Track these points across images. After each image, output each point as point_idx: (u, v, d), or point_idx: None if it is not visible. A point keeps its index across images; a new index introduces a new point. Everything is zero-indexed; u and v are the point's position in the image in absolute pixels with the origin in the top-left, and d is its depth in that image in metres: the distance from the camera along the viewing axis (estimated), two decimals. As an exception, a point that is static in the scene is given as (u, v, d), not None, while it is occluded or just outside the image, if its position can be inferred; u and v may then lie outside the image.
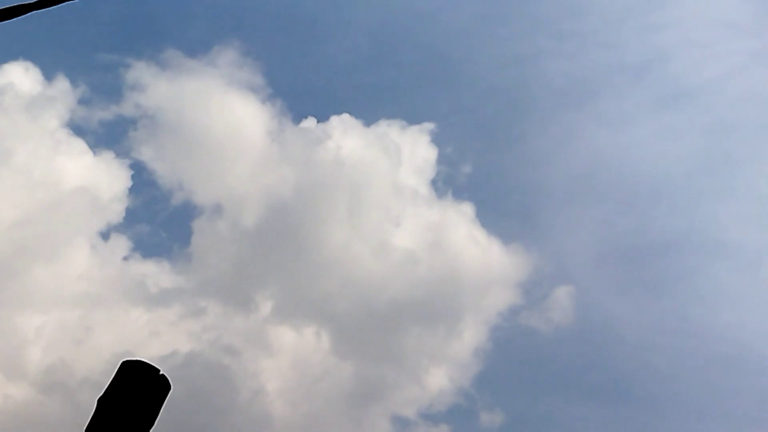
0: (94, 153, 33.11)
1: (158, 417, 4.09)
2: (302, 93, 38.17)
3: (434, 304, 30.98)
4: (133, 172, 33.01)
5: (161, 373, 4.13)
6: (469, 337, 29.79)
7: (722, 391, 27.54)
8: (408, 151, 34.08)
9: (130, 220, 32.47)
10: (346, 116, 34.35)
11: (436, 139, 35.13)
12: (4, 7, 4.29)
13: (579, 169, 36.24)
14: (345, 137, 33.47)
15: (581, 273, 32.78)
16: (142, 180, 33.61)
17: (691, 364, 28.79)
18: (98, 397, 4.01)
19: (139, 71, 34.39)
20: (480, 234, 32.84)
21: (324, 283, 30.67)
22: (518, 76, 37.82)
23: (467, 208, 33.61)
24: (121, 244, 31.56)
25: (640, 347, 30.28)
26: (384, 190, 33.37)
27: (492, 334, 30.13)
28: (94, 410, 3.97)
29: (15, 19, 4.31)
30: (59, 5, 4.41)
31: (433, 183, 34.28)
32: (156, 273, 31.36)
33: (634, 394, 28.67)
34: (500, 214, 36.12)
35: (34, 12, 4.38)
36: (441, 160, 34.69)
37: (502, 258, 32.32)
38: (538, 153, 37.11)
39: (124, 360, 4.17)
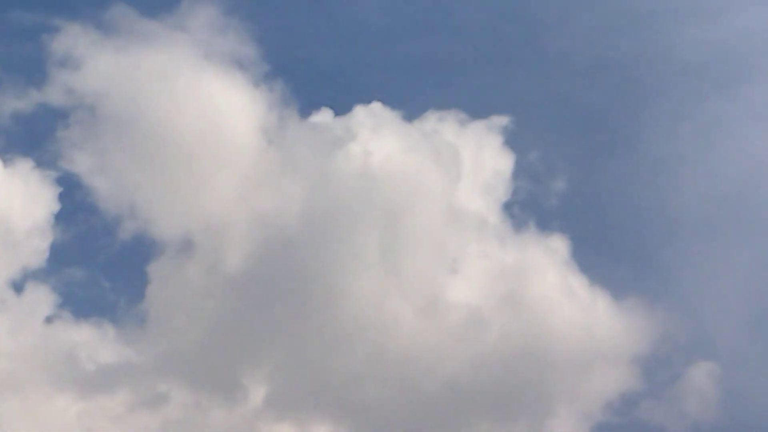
0: (4, 162, 33.12)
1: None
2: (313, 71, 37.84)
3: (511, 388, 30.63)
4: (61, 190, 33.16)
5: None
6: (563, 438, 29.59)
7: None
8: (470, 159, 34.64)
9: (57, 263, 32.29)
10: (376, 106, 34.95)
11: (512, 140, 35.23)
12: None
13: (726, 186, 34.98)
14: (376, 137, 34.09)
15: (729, 343, 31.50)
16: (74, 202, 33.48)
17: None
18: None
19: (72, 38, 34.54)
20: (578, 283, 32.59)
21: (345, 357, 30.50)
22: (636, 47, 37.56)
23: (559, 244, 33.47)
24: (42, 298, 31.65)
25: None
26: (435, 218, 33.21)
27: (597, 434, 29.82)
28: None
29: None
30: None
31: (508, 207, 34.47)
32: (94, 341, 31.39)
33: None
34: (608, 252, 34.52)
35: None
36: (519, 171, 34.96)
37: (612, 319, 32.09)
38: (666, 161, 36.14)
39: None
